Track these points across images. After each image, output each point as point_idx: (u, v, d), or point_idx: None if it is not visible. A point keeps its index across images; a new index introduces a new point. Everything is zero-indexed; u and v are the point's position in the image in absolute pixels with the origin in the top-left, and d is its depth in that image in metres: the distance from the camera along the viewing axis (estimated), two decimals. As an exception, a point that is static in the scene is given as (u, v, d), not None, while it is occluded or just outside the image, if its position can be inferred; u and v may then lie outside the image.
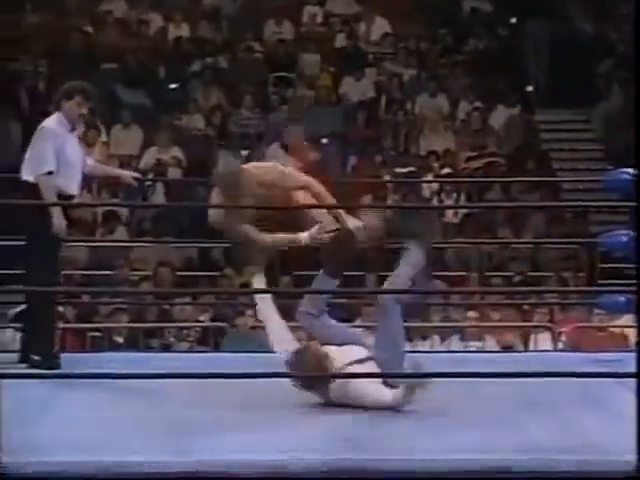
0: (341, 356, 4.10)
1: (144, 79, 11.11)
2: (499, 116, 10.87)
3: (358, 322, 7.14)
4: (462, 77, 11.18)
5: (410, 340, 7.56)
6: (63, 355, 5.03)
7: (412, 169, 9.79)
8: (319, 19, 11.92)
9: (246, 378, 3.87)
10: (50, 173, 4.82)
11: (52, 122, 4.95)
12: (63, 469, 3.33)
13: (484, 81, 11.13)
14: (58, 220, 4.77)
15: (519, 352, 7.02)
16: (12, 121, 10.44)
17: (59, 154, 4.87)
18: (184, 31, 11.65)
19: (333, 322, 4.37)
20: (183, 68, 11.24)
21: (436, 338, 7.65)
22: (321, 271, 4.35)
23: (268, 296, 4.34)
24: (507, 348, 7.28)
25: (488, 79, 11.12)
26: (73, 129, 5.03)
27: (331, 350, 4.12)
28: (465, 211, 9.57)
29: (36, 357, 4.82)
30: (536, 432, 3.69)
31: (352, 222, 4.25)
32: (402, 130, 10.72)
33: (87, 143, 9.03)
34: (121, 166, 8.96)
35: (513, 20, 11.77)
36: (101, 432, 3.69)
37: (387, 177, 9.54)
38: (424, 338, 7.62)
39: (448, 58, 11.42)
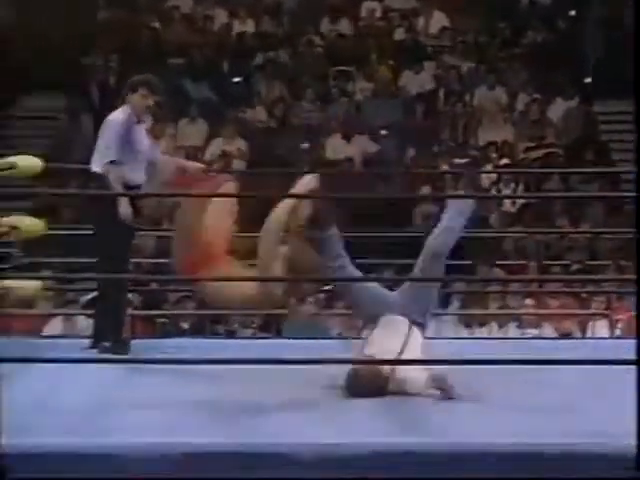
0: (388, 350, 4.03)
1: (209, 73, 11.16)
2: (557, 108, 10.70)
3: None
4: (520, 70, 11.04)
5: (468, 326, 7.54)
6: (132, 341, 5.06)
7: (471, 158, 9.69)
8: (378, 14, 11.86)
9: (305, 364, 3.88)
10: (114, 162, 4.83)
11: (118, 115, 4.96)
12: (131, 451, 3.34)
13: (542, 74, 10.97)
14: (124, 209, 4.78)
15: (576, 339, 6.93)
16: (83, 114, 10.56)
17: (125, 145, 4.88)
18: (247, 26, 11.67)
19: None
20: (246, 62, 11.26)
21: (494, 325, 7.59)
22: (320, 234, 4.22)
23: None
24: (565, 335, 7.21)
25: (546, 72, 10.96)
26: (139, 121, 5.04)
27: (375, 345, 4.03)
28: (523, 201, 9.46)
29: (106, 343, 4.85)
30: (571, 418, 3.63)
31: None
32: (461, 122, 10.61)
33: (155, 135, 9.09)
34: (187, 157, 9.00)
35: (572, 12, 11.59)
36: (166, 415, 3.70)
37: (445, 168, 9.45)
38: (482, 325, 7.57)
39: (506, 51, 11.28)
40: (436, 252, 4.25)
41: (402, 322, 4.12)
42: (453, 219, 4.31)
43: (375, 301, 4.19)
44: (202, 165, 5.69)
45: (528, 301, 7.70)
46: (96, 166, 4.93)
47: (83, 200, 6.69)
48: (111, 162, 4.84)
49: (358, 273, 4.30)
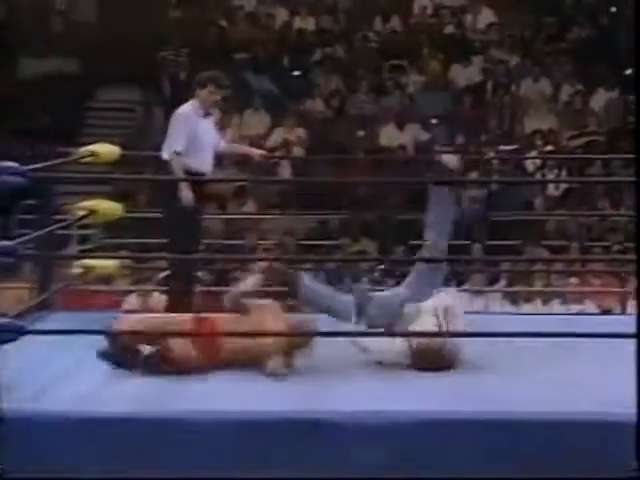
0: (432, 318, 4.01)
1: (271, 67, 11.18)
2: (599, 98, 10.57)
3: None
4: (565, 64, 10.90)
5: (514, 303, 7.49)
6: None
7: (516, 146, 9.60)
8: (429, 11, 11.79)
9: (363, 337, 3.88)
10: (179, 153, 4.84)
11: (186, 108, 4.96)
12: (202, 419, 3.36)
13: (586, 68, 10.82)
14: (186, 194, 4.79)
15: (616, 315, 6.85)
16: (156, 107, 10.64)
17: (192, 137, 4.86)
18: (306, 24, 11.67)
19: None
20: (306, 57, 11.27)
21: (538, 302, 7.53)
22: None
23: None
24: (606, 312, 7.13)
25: (590, 66, 10.81)
26: (207, 114, 5.02)
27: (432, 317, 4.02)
28: (567, 185, 9.36)
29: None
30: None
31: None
32: (507, 112, 10.53)
33: (221, 126, 9.13)
34: (251, 145, 9.03)
35: (613, 9, 11.42)
36: (231, 384, 3.70)
37: (492, 155, 9.38)
38: (527, 301, 7.52)
39: (552, 46, 11.15)
40: (427, 247, 4.23)
41: (429, 306, 4.11)
42: (436, 215, 4.24)
43: (387, 310, 4.14)
44: (263, 151, 5.71)
45: (572, 280, 7.63)
46: (165, 154, 4.95)
47: (154, 185, 6.75)
48: (176, 152, 4.84)
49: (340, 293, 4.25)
